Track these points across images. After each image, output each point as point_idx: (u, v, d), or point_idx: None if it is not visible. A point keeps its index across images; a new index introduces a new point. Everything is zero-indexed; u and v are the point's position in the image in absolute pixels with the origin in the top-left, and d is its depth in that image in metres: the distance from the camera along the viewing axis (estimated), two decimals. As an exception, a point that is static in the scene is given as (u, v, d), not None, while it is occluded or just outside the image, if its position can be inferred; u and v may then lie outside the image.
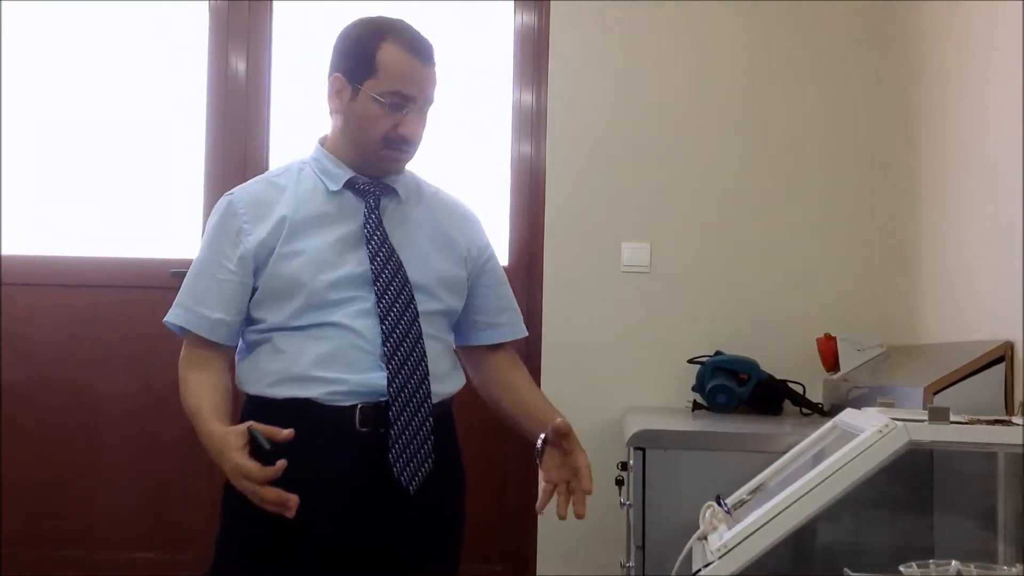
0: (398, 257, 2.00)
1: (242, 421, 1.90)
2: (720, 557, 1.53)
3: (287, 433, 1.80)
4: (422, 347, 1.98)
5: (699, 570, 1.56)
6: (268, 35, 3.70)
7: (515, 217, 3.58)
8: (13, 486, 3.58)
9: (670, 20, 3.46)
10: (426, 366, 1.98)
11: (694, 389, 3.19)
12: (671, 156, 3.44)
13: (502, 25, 3.64)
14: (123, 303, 3.61)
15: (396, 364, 1.94)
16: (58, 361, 3.64)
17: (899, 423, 1.60)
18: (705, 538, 1.70)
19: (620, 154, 3.45)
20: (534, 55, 3.58)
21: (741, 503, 1.89)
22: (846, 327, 3.23)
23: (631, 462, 2.50)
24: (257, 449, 1.80)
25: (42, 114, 3.75)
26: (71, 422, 3.62)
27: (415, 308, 1.98)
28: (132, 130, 3.72)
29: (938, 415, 1.64)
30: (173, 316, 2.00)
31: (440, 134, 3.59)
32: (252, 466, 1.76)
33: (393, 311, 1.95)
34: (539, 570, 3.40)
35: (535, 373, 3.43)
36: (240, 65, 3.66)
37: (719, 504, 1.79)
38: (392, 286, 1.97)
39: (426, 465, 1.96)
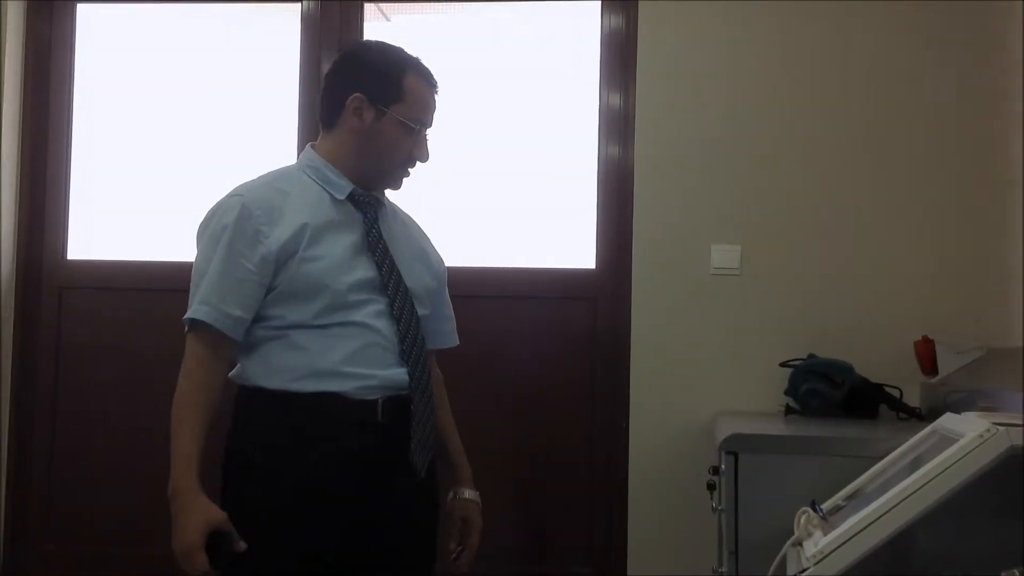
0: (397, 266, 2.18)
1: (242, 413, 2.11)
2: (816, 563, 1.52)
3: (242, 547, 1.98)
4: (425, 347, 2.21)
5: (794, 576, 1.54)
6: (359, 39, 3.70)
7: (603, 220, 3.57)
8: (68, 484, 3.69)
9: (759, 20, 3.42)
10: (428, 364, 2.21)
11: (787, 393, 3.15)
12: (761, 157, 3.40)
13: (589, 27, 3.63)
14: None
15: (413, 361, 2.13)
16: (117, 363, 3.71)
17: (1000, 428, 1.57)
18: (800, 544, 1.68)
19: (709, 156, 3.42)
20: (621, 57, 3.57)
21: (837, 509, 1.87)
22: (944, 330, 3.16)
23: (723, 466, 2.48)
24: (213, 542, 1.94)
25: (115, 120, 3.82)
26: (128, 420, 3.67)
27: (416, 312, 2.19)
28: (219, 134, 3.75)
29: (1041, 420, 1.60)
30: (200, 313, 2.06)
31: (527, 136, 3.64)
32: (204, 560, 1.93)
33: (404, 314, 2.15)
34: (629, 572, 3.38)
35: (624, 377, 3.43)
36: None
37: (814, 509, 1.77)
38: (399, 292, 2.15)
39: (432, 452, 2.19)
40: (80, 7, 3.82)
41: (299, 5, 3.73)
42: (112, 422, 3.68)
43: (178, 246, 3.71)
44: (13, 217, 3.72)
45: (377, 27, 3.75)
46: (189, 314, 2.08)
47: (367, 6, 3.73)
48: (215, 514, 1.96)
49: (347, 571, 2.07)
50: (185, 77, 3.80)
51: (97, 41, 3.84)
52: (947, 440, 1.73)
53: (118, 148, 3.82)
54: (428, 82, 2.20)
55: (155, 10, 3.84)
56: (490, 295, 3.54)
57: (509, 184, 3.63)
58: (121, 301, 3.73)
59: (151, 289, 3.70)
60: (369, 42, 2.29)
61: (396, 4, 3.79)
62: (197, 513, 1.95)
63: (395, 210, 2.33)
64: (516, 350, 3.56)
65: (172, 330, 3.59)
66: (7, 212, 3.68)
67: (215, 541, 1.94)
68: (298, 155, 3.59)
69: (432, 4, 3.78)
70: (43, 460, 3.71)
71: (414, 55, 2.22)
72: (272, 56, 3.78)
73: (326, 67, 3.63)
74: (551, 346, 3.57)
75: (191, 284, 2.12)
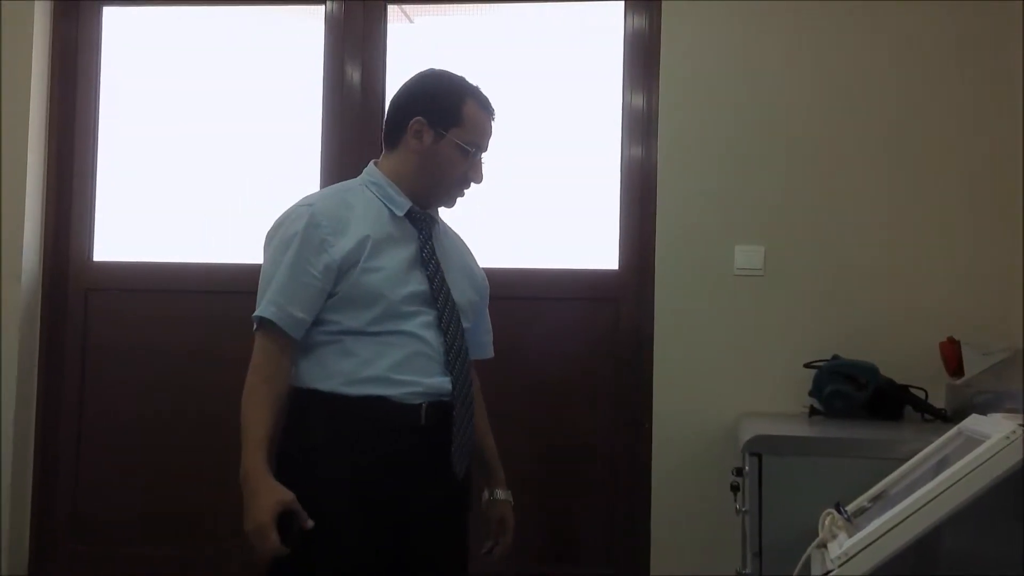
0: (447, 281, 2.31)
1: (294, 413, 2.21)
2: (840, 565, 1.51)
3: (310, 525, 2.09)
4: (468, 357, 2.33)
5: (818, 578, 1.54)
6: (383, 42, 3.72)
7: (625, 220, 3.57)
8: (94, 485, 3.72)
9: (782, 21, 3.41)
10: (470, 374, 2.33)
11: (811, 394, 3.14)
12: (784, 157, 3.39)
13: (612, 27, 3.63)
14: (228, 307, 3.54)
15: (456, 371, 2.26)
16: (143, 364, 3.74)
17: (1027, 430, 1.56)
18: (824, 546, 1.68)
19: (733, 156, 3.41)
20: (645, 57, 3.56)
21: (861, 510, 1.86)
22: (970, 330, 3.14)
23: (747, 468, 2.47)
24: (283, 521, 2.06)
25: (141, 123, 3.85)
26: (154, 421, 3.70)
27: (461, 325, 2.31)
28: (243, 135, 3.77)
29: (1068, 421, 1.59)
30: (268, 312, 2.19)
31: (550, 137, 3.63)
32: (276, 537, 2.04)
33: (451, 326, 2.27)
34: (652, 574, 3.37)
35: (647, 378, 3.43)
36: (355, 75, 3.72)
37: (839, 511, 1.76)
38: (447, 305, 2.28)
39: (469, 457, 2.30)
40: (106, 9, 3.85)
41: (322, 7, 3.74)
42: (138, 423, 3.70)
43: (204, 247, 3.75)
44: (40, 219, 3.75)
45: (400, 29, 3.76)
46: (258, 312, 2.20)
47: (390, 8, 3.74)
48: (284, 494, 2.08)
49: (384, 570, 2.16)
50: (210, 79, 3.82)
51: (123, 43, 3.87)
52: (973, 442, 1.72)
53: (144, 150, 3.84)
54: (486, 109, 2.35)
55: (180, 12, 3.87)
56: (513, 296, 3.53)
57: (532, 185, 3.63)
58: (147, 302, 3.76)
59: (177, 290, 3.74)
60: (433, 70, 2.39)
61: (419, 5, 3.80)
62: (267, 495, 2.07)
63: (446, 228, 2.45)
64: (538, 350, 3.56)
65: (198, 331, 3.69)
66: (34, 214, 3.71)
67: (284, 520, 2.06)
68: (322, 156, 3.69)
69: (455, 5, 3.79)
70: (69, 461, 3.74)
71: (473, 83, 2.35)
72: (296, 58, 3.80)
73: (349, 68, 3.72)
74: (573, 346, 3.57)
75: (259, 286, 2.23)
